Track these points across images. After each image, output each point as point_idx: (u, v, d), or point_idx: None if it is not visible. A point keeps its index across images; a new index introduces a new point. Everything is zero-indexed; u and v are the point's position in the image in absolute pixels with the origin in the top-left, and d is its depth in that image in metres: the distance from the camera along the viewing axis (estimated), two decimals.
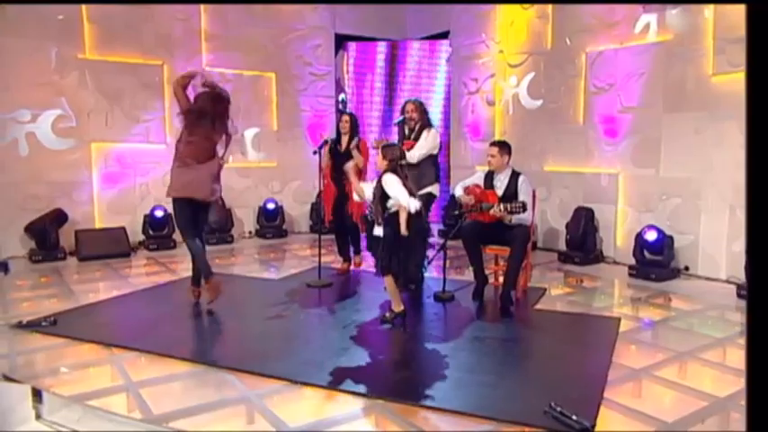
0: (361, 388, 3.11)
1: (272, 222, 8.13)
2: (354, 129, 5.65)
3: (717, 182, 5.54)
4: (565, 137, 6.96)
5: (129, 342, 3.80)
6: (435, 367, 3.43)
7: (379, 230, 4.12)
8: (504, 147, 4.92)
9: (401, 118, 5.26)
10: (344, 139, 5.64)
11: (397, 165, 4.06)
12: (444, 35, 8.70)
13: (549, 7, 7.01)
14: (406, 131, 5.29)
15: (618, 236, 6.49)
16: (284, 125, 8.42)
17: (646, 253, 5.78)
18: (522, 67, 7.44)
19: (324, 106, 8.73)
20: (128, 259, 6.68)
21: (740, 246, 5.33)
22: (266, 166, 8.31)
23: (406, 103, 5.32)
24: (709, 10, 5.52)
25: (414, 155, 5.06)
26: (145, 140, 7.37)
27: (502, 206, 4.57)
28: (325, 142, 5.52)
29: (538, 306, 4.79)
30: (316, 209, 8.48)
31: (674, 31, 5.82)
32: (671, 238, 5.69)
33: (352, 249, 5.88)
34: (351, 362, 3.49)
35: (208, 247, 7.22)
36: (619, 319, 4.34)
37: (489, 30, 7.86)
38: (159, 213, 7.17)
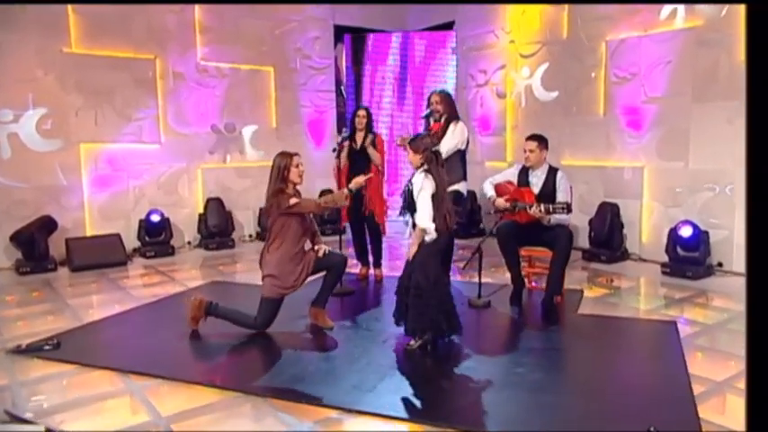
0: (428, 416, 2.75)
1: None
2: (370, 124, 5.28)
3: None
4: (583, 129, 6.66)
5: (147, 367, 3.38)
6: (499, 387, 3.08)
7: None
8: (542, 141, 4.60)
9: (428, 111, 4.90)
10: (360, 136, 5.26)
11: (431, 155, 3.68)
12: (448, 26, 8.36)
13: None
14: (431, 124, 4.92)
15: (643, 232, 6.22)
16: (283, 121, 7.99)
17: (679, 250, 5.51)
18: (536, 57, 7.13)
19: (324, 101, 8.32)
20: (124, 268, 6.20)
21: None
22: (266, 165, 7.73)
23: (431, 94, 4.95)
24: None
25: (440, 149, 4.70)
26: (138, 140, 6.89)
27: (543, 206, 4.24)
28: (344, 139, 5.14)
29: (581, 311, 4.48)
30: None
31: (704, 17, 5.55)
32: (706, 233, 5.43)
33: (371, 257, 5.49)
34: (403, 384, 3.13)
35: (209, 254, 6.91)
36: (674, 323, 4.05)
37: (498, 19, 7.54)
38: (156, 218, 6.71)
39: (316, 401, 2.91)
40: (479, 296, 4.59)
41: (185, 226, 7.24)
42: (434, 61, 8.60)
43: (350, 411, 2.82)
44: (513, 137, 7.54)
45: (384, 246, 5.57)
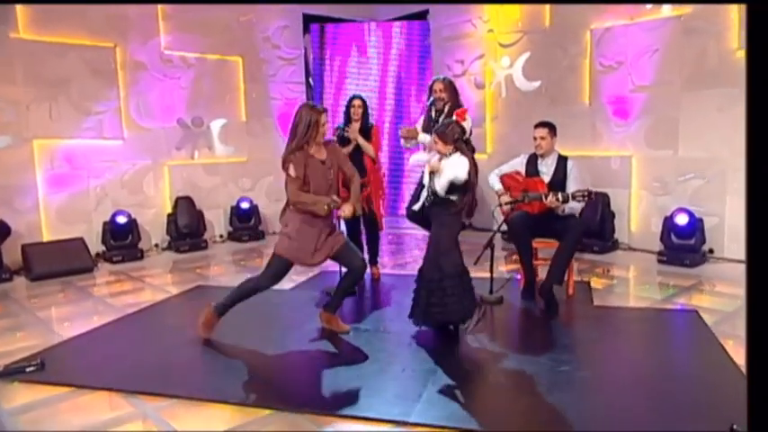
0: (494, 426, 2.52)
1: (246, 223, 7.27)
2: (366, 114, 4.99)
3: (744, 161, 5.31)
4: (568, 119, 6.54)
5: (155, 386, 2.99)
6: (551, 388, 2.88)
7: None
8: (552, 127, 4.46)
9: (431, 99, 4.66)
10: (355, 126, 4.96)
11: (462, 145, 3.52)
12: (421, 15, 8.15)
13: None
14: (434, 113, 4.69)
15: (632, 221, 6.21)
16: (253, 115, 7.56)
17: (673, 238, 5.51)
18: (516, 46, 7.01)
19: (295, 94, 7.93)
20: (90, 275, 5.66)
21: None
22: (236, 162, 7.43)
23: (433, 81, 4.71)
24: None
25: (422, 158, 4.46)
26: (98, 136, 6.32)
27: (561, 195, 4.09)
28: (341, 131, 4.83)
29: (597, 302, 4.36)
30: None
31: (692, 5, 5.54)
32: (701, 220, 5.45)
33: (367, 253, 5.20)
34: (450, 391, 2.87)
35: (181, 256, 6.44)
36: (695, 312, 3.99)
37: (476, 8, 7.38)
38: (122, 220, 6.17)
39: (363, 415, 2.62)
40: (491, 292, 4.39)
41: (152, 227, 6.72)
42: (408, 51, 8.36)
43: (404, 424, 2.54)
44: (494, 128, 7.41)
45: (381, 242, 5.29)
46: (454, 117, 4.03)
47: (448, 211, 3.54)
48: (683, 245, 5.45)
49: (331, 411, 2.68)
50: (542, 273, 4.77)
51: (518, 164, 4.57)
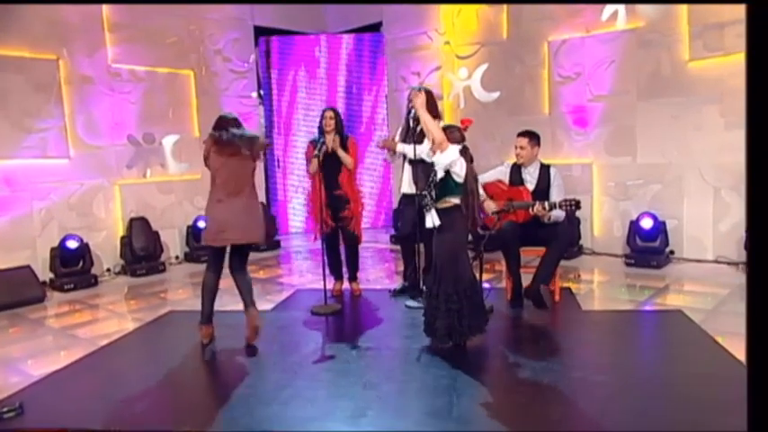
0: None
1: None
2: (340, 126, 4.88)
3: (698, 165, 5.62)
4: (529, 129, 6.71)
5: (159, 423, 2.74)
6: (573, 394, 2.87)
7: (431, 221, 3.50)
8: (534, 137, 4.52)
9: (410, 109, 4.61)
10: (329, 139, 4.84)
11: (462, 150, 3.49)
12: (374, 27, 8.13)
13: None
14: (411, 123, 4.66)
15: (595, 226, 6.39)
16: (207, 130, 7.13)
17: (638, 240, 5.71)
18: (474, 58, 7.11)
19: (247, 108, 7.67)
20: (42, 305, 5.20)
21: (726, 226, 5.48)
22: (190, 179, 7.09)
23: (410, 91, 4.66)
24: None
25: (424, 149, 4.44)
26: (41, 155, 5.85)
27: (547, 204, 4.14)
28: (321, 145, 4.68)
29: (584, 307, 4.42)
30: None
31: (646, 18, 5.82)
32: (664, 223, 5.68)
33: (346, 270, 5.08)
34: (477, 407, 2.76)
35: (138, 281, 6.04)
36: (680, 311, 4.12)
37: (431, 20, 7.44)
38: (73, 244, 5.73)
39: None
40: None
41: (103, 251, 6.28)
42: (359, 64, 8.31)
43: None
44: None
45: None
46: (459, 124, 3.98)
47: (453, 220, 3.47)
48: (647, 247, 5.66)
49: None
50: (525, 280, 4.83)
51: (500, 173, 4.60)
